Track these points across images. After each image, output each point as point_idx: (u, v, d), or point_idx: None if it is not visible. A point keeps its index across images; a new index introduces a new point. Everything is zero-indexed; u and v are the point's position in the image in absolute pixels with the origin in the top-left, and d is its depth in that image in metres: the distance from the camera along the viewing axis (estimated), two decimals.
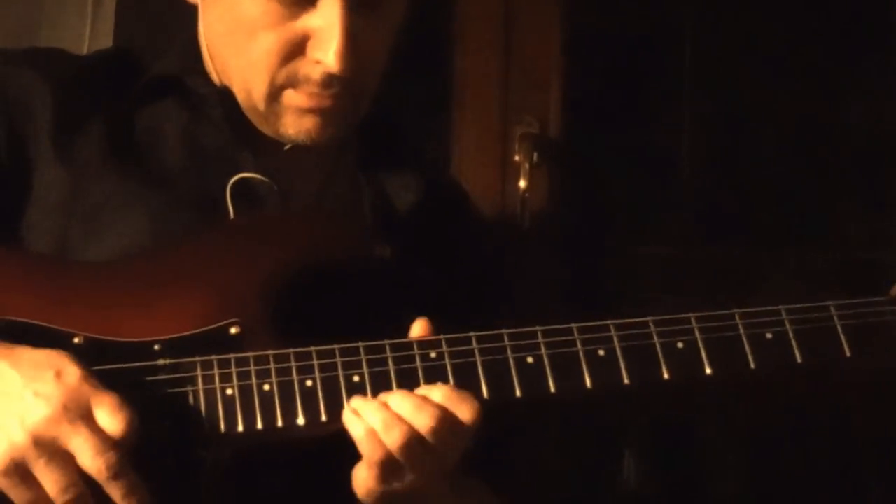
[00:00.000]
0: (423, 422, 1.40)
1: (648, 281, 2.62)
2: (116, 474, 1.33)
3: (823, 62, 2.70)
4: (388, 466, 1.41)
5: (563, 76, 2.64)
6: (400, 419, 1.40)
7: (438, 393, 1.42)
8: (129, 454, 1.34)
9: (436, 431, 1.40)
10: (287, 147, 1.63)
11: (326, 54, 1.54)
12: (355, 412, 1.41)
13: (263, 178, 1.62)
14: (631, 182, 2.70)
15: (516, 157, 2.56)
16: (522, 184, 2.52)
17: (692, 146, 2.73)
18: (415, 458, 1.41)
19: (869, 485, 2.56)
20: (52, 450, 1.32)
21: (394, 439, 1.39)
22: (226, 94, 1.65)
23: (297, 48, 1.56)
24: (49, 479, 1.32)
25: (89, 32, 2.43)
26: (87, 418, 1.34)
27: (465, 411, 1.42)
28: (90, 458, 1.33)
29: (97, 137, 1.62)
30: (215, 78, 1.67)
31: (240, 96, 1.63)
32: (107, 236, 1.56)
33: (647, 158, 2.71)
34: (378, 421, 1.40)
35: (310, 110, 1.58)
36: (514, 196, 2.55)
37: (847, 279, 2.50)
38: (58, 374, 1.35)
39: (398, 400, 1.42)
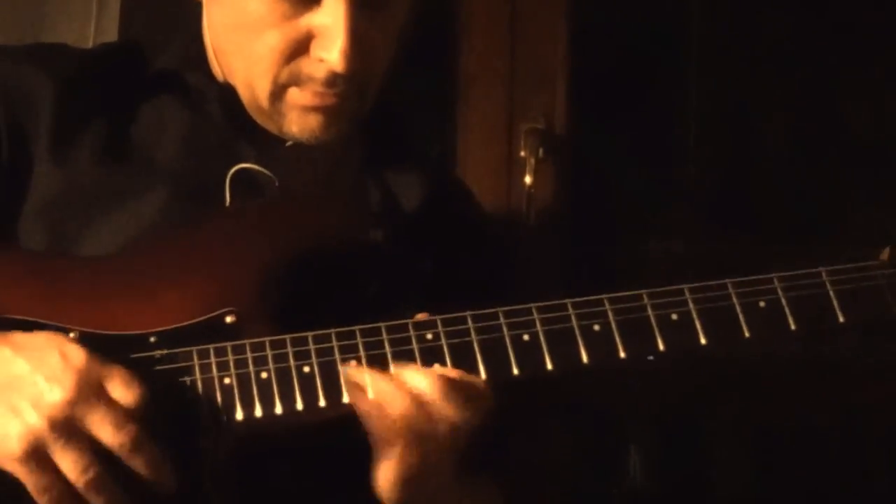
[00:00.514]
0: (429, 388, 1.40)
1: (655, 277, 2.61)
2: (139, 446, 1.33)
3: (831, 56, 2.69)
4: (400, 440, 1.39)
5: (569, 72, 2.63)
6: (404, 387, 1.40)
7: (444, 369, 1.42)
8: (145, 426, 1.34)
9: (444, 397, 1.39)
10: (289, 143, 1.63)
11: (331, 53, 1.53)
12: (357, 385, 1.40)
13: (264, 170, 1.62)
14: (637, 178, 2.69)
15: (522, 153, 2.55)
16: (528, 179, 2.51)
17: (699, 141, 2.73)
18: (423, 429, 1.39)
19: (876, 482, 2.55)
20: (69, 431, 1.31)
21: (400, 407, 1.39)
22: (226, 91, 1.65)
23: (301, 46, 1.56)
24: (68, 461, 1.31)
25: (94, 28, 2.43)
26: (101, 395, 1.33)
27: (474, 380, 1.42)
28: (111, 434, 1.32)
29: (98, 132, 1.62)
30: (219, 74, 1.67)
31: (243, 94, 1.63)
32: (103, 230, 1.57)
33: (654, 154, 2.71)
34: (384, 390, 1.39)
35: (314, 108, 1.58)
36: (519, 192, 2.55)
37: None
38: (63, 356, 1.34)
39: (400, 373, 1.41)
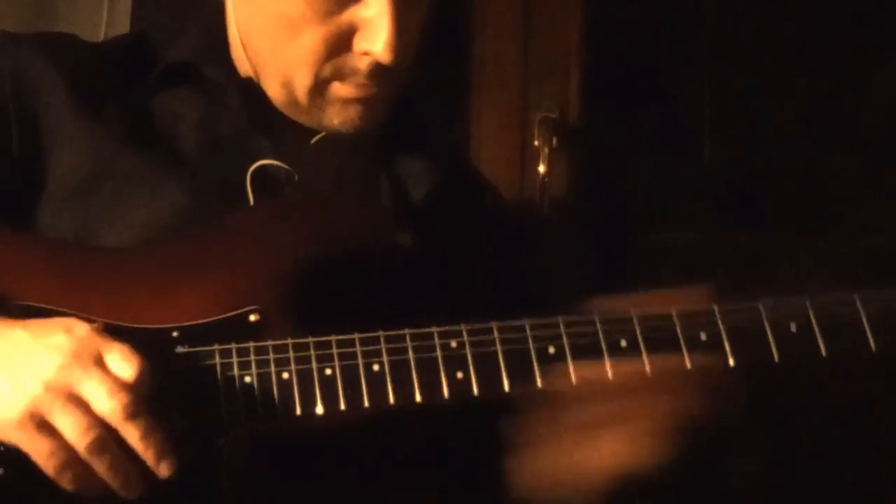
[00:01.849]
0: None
1: (669, 267, 2.61)
2: (130, 415, 1.32)
3: (848, 44, 2.68)
4: None
5: (583, 60, 2.63)
6: None
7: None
8: (143, 401, 1.33)
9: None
10: (314, 140, 1.63)
11: (376, 45, 1.53)
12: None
13: (285, 166, 1.61)
14: (652, 167, 2.69)
15: (536, 142, 2.55)
16: (542, 169, 2.51)
17: (714, 130, 2.72)
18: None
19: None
20: (66, 396, 1.31)
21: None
22: (248, 85, 1.65)
23: (343, 41, 1.56)
24: (67, 423, 1.31)
25: (105, 21, 2.43)
26: (98, 364, 1.33)
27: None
28: (103, 400, 1.31)
29: (115, 122, 1.61)
30: (241, 68, 1.66)
31: (274, 89, 1.62)
32: (127, 221, 1.56)
33: (668, 143, 2.70)
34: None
35: (356, 100, 1.59)
36: (533, 181, 2.55)
37: (873, 265, 2.48)
38: (67, 329, 1.35)
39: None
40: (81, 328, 1.35)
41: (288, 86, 1.60)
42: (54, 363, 1.32)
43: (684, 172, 2.71)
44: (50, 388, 1.31)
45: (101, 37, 2.36)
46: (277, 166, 1.61)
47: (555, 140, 2.55)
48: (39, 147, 1.59)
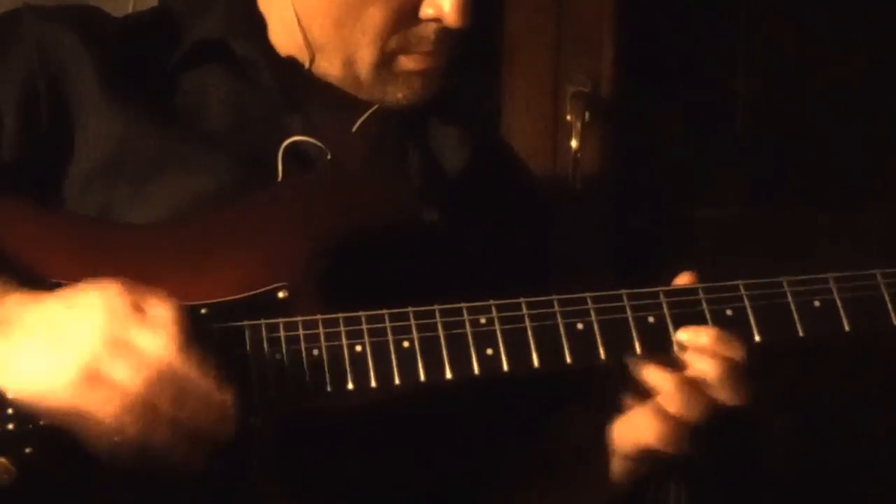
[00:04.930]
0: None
1: (703, 243, 2.60)
2: (181, 345, 1.31)
3: (885, 15, 2.65)
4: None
5: (616, 34, 2.61)
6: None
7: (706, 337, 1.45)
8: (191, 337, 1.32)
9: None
10: (356, 127, 1.64)
11: (444, 8, 1.54)
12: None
13: (316, 142, 1.61)
14: (685, 142, 2.67)
15: (568, 117, 2.54)
16: (574, 144, 2.50)
17: (748, 105, 2.70)
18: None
19: None
20: (114, 346, 1.29)
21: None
22: (281, 62, 1.64)
23: (408, 13, 1.57)
24: (122, 368, 1.29)
25: None
26: (137, 310, 1.32)
27: (735, 350, 1.44)
28: (151, 339, 1.30)
29: (142, 99, 1.61)
30: (282, 47, 1.66)
31: (334, 67, 1.63)
32: (155, 197, 1.55)
33: (702, 118, 2.69)
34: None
35: (420, 72, 1.60)
36: (565, 156, 2.53)
37: None
38: (99, 287, 1.33)
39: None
40: (112, 285, 1.34)
41: (351, 64, 1.61)
42: (95, 320, 1.31)
43: (718, 147, 2.69)
44: (96, 345, 1.29)
45: (129, 9, 2.35)
46: (310, 143, 1.61)
47: (587, 115, 2.53)
48: (68, 122, 1.59)
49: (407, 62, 1.60)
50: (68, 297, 1.34)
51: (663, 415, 1.45)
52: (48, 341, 1.31)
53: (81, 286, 1.35)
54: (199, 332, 1.35)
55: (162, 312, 1.32)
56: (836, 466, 2.57)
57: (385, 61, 1.60)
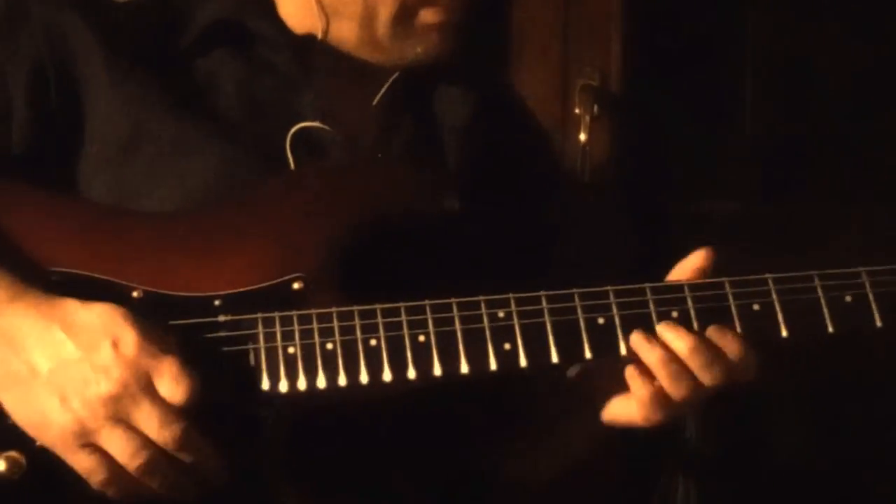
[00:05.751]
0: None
1: (711, 236, 2.59)
2: (184, 444, 1.32)
3: (892, 11, 2.65)
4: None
5: (624, 28, 2.61)
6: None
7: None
8: (194, 420, 1.32)
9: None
10: (377, 99, 1.63)
11: None
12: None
13: (325, 127, 1.59)
14: (693, 135, 2.67)
15: (577, 110, 2.54)
16: (583, 137, 2.50)
17: (756, 99, 2.70)
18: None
19: None
20: (114, 421, 1.31)
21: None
22: (296, 39, 1.62)
23: None
24: (116, 445, 1.31)
25: None
26: (147, 390, 1.31)
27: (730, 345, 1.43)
28: (156, 431, 1.31)
29: (151, 85, 1.58)
30: (294, 24, 1.64)
31: (350, 31, 1.61)
32: (164, 187, 1.54)
33: (710, 111, 2.69)
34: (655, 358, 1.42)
35: (438, 26, 1.59)
36: (574, 149, 2.53)
37: None
38: (114, 344, 1.32)
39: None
40: (130, 343, 1.32)
41: (369, 21, 1.59)
42: (103, 390, 1.30)
43: (726, 140, 2.69)
44: (97, 416, 1.30)
45: None
46: (318, 127, 1.59)
47: (596, 108, 2.53)
48: (77, 106, 1.57)
49: (426, 15, 1.59)
50: (82, 340, 1.33)
51: (650, 391, 1.44)
52: (51, 384, 1.32)
53: (98, 329, 1.33)
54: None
55: (174, 395, 1.32)
56: (844, 462, 2.57)
57: (405, 14, 1.58)
